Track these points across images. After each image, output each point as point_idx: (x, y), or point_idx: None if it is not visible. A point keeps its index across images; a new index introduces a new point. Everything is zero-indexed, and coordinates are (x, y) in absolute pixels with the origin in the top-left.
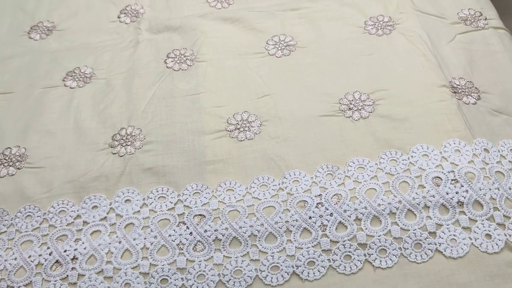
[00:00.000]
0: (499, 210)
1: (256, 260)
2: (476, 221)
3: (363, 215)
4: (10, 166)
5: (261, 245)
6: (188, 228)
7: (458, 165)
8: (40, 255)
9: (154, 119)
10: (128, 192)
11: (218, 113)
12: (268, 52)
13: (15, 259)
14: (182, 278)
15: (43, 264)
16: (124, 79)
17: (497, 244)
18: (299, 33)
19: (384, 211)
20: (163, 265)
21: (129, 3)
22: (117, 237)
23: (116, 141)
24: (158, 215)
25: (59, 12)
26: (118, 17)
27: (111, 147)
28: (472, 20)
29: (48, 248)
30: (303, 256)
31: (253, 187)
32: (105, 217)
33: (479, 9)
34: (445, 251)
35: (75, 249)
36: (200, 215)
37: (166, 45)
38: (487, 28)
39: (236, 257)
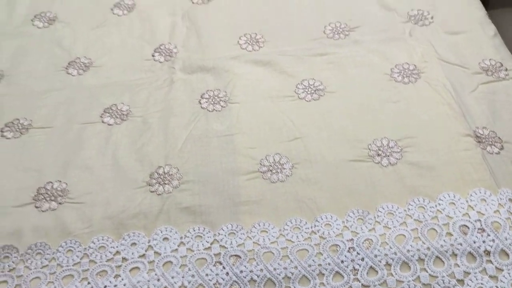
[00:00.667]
0: None
1: None
2: (503, 270)
3: (393, 260)
4: (52, 200)
5: (294, 287)
6: (225, 268)
7: (484, 214)
8: None
9: (191, 158)
10: (166, 231)
11: (251, 154)
12: (298, 96)
13: None
14: None
15: None
16: (160, 117)
17: None
18: (328, 78)
19: (413, 257)
20: None
21: (162, 42)
22: (155, 274)
23: (154, 179)
24: (195, 254)
25: (95, 49)
26: (153, 56)
27: (149, 185)
28: (494, 71)
29: (88, 283)
30: None
31: (286, 229)
32: (144, 254)
33: (499, 59)
34: None
35: (115, 285)
36: (235, 255)
37: (200, 86)
38: (508, 79)
39: None
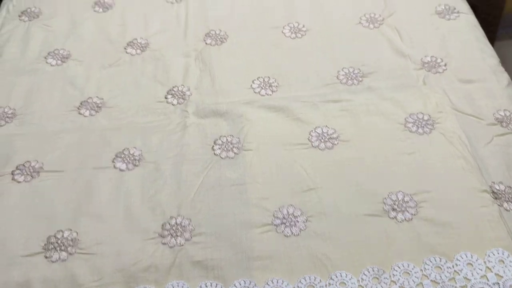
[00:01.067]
0: None
1: None
2: None
3: None
4: (62, 251)
5: None
6: None
7: (503, 277)
8: None
9: (203, 209)
10: (178, 286)
11: (265, 205)
12: (311, 144)
13: None
14: None
15: None
16: (172, 164)
17: None
18: (341, 126)
19: None
20: None
21: (175, 83)
22: None
23: (166, 230)
24: None
25: (108, 89)
26: (166, 98)
27: (161, 236)
28: (508, 122)
29: None
30: None
31: (300, 287)
32: None
33: None
34: None
35: None
36: None
37: (213, 131)
38: None
39: None
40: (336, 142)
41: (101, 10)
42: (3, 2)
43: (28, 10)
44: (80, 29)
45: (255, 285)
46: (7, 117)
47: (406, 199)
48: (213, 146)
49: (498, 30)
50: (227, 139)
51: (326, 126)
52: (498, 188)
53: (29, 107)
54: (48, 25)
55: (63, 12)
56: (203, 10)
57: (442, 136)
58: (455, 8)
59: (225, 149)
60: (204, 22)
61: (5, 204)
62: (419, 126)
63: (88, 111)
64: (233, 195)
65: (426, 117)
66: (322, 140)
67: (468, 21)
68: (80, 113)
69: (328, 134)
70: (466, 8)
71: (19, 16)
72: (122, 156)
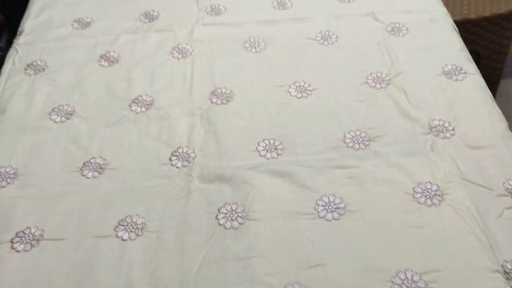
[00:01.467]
0: None
1: None
2: None
3: None
4: None
5: None
6: None
7: None
8: None
9: (207, 285)
10: None
11: (270, 283)
12: (318, 214)
13: None
14: None
15: None
16: (175, 234)
17: None
18: (348, 195)
19: None
20: None
21: (180, 144)
22: None
23: None
24: None
25: (112, 149)
26: (170, 160)
27: None
28: None
29: None
30: None
31: None
32: None
33: None
34: None
35: None
36: None
37: (217, 198)
38: None
39: None
40: (343, 212)
41: (106, 64)
42: (8, 54)
43: (34, 63)
44: (85, 84)
45: None
46: (9, 177)
47: (415, 278)
48: (217, 215)
49: (504, 68)
50: (231, 207)
51: (333, 194)
52: (510, 267)
53: (31, 167)
54: (53, 79)
55: (69, 65)
56: (209, 66)
57: (451, 208)
58: (461, 69)
59: (229, 218)
60: (210, 79)
61: (2, 273)
62: (427, 197)
63: (91, 173)
64: (237, 270)
65: (434, 187)
66: (329, 210)
67: (475, 82)
68: (83, 175)
69: (335, 204)
70: (473, 68)
71: (25, 69)
72: (125, 224)
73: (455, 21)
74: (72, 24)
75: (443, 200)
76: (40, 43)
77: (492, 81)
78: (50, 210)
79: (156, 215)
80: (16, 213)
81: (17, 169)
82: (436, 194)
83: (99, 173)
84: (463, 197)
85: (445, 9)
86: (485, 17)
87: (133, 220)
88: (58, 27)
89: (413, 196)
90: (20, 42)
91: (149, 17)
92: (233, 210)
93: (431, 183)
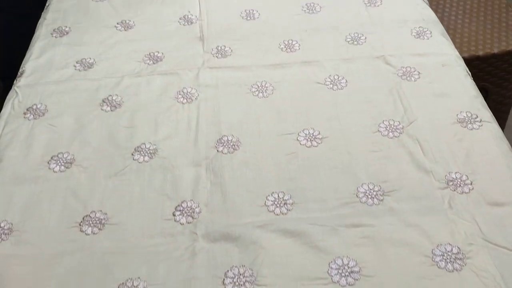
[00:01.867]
0: None
1: None
2: None
3: None
4: None
5: None
6: None
7: None
8: None
9: None
10: None
11: None
12: (331, 279)
13: None
14: None
15: None
16: None
17: None
18: (363, 257)
19: None
20: None
21: (184, 198)
22: None
23: None
24: None
25: (113, 202)
26: (173, 215)
27: None
28: None
29: None
30: None
31: None
32: None
33: None
34: None
35: None
36: None
37: (224, 260)
38: None
39: None
40: (358, 277)
41: (109, 109)
42: (8, 97)
43: (34, 106)
44: (86, 130)
45: None
46: (4, 233)
47: None
48: (223, 279)
49: None
50: (238, 271)
51: (347, 256)
52: None
53: (27, 222)
54: (53, 125)
55: (70, 109)
56: (215, 112)
57: (474, 275)
58: (477, 116)
59: (236, 283)
60: (216, 127)
61: None
62: (448, 261)
63: (90, 228)
64: None
65: (455, 250)
66: (343, 275)
67: (492, 131)
68: (81, 230)
69: (349, 267)
70: (489, 116)
71: (24, 113)
72: None
73: (463, 58)
74: (74, 66)
75: (465, 265)
76: (41, 85)
77: (501, 117)
78: (45, 273)
79: (158, 279)
80: (11, 275)
81: (12, 224)
82: (457, 258)
83: (99, 229)
84: (486, 262)
85: (457, 53)
86: (493, 54)
87: (134, 284)
88: (60, 69)
89: (432, 260)
90: (20, 84)
91: (154, 58)
92: (240, 274)
93: (451, 245)
